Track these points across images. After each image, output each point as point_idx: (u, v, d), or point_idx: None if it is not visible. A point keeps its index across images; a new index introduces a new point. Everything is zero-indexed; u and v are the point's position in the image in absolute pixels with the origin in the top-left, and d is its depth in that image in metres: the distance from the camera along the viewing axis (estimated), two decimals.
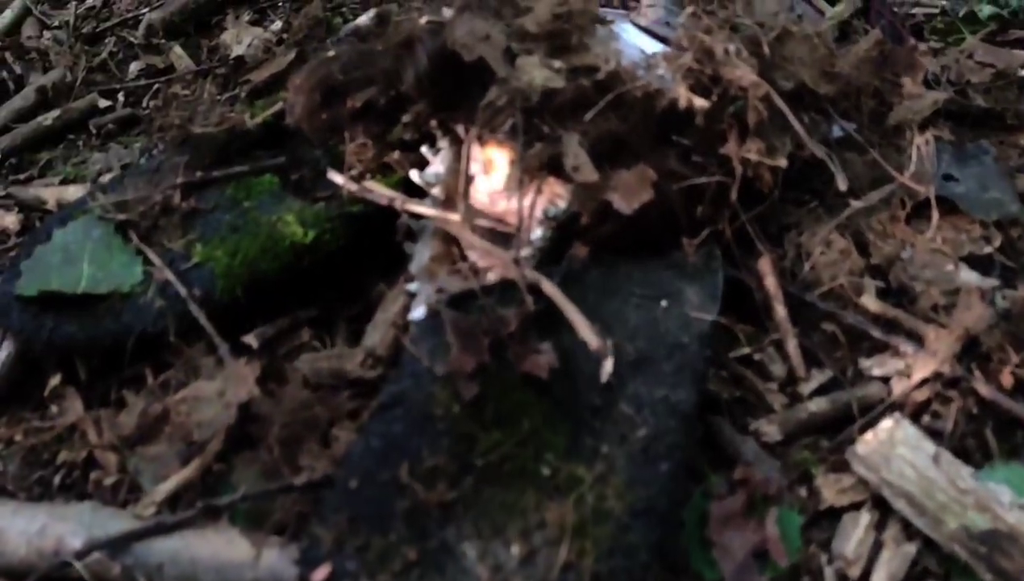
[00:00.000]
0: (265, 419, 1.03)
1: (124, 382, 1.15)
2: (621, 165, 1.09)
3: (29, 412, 1.13)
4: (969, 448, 1.04)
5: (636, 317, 1.05)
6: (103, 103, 1.71)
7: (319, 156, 1.29)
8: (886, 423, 0.99)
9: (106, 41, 1.89)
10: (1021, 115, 1.49)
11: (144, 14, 1.91)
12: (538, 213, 1.14)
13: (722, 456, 1.04)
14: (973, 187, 1.30)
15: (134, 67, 1.81)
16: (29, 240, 1.20)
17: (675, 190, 1.11)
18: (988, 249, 1.20)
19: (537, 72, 1.10)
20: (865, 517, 0.97)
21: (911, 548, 0.94)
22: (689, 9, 1.19)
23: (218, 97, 1.59)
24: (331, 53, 1.25)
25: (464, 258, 1.18)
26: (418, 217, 1.18)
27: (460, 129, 1.17)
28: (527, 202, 1.10)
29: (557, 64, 1.12)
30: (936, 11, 1.81)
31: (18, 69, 1.80)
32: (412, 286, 1.17)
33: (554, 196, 1.14)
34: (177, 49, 1.83)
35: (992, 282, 1.15)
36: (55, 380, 1.16)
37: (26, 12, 1.95)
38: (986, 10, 1.76)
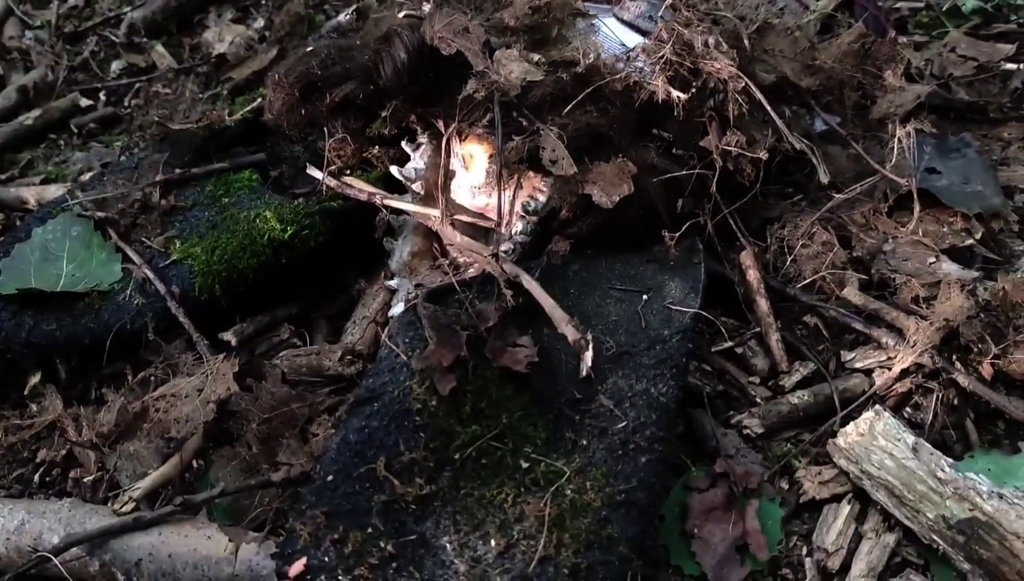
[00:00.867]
0: (244, 415, 1.02)
1: (103, 380, 1.15)
2: (601, 158, 1.09)
3: (8, 410, 1.13)
4: (950, 439, 1.03)
5: (617, 311, 1.05)
6: (84, 102, 1.70)
7: (299, 152, 1.29)
8: (867, 415, 0.99)
9: (88, 40, 1.88)
10: (1004, 108, 1.49)
11: (126, 13, 1.89)
12: (518, 208, 1.14)
13: (703, 449, 1.04)
14: (955, 180, 1.30)
15: (116, 66, 1.80)
16: (8, 238, 1.19)
17: (655, 184, 1.11)
18: (969, 241, 1.20)
19: (516, 65, 1.09)
20: (845, 509, 0.97)
21: (890, 539, 0.94)
22: (670, 1, 1.18)
23: (200, 95, 1.58)
24: (310, 48, 1.24)
25: (444, 253, 1.18)
26: (398, 213, 1.18)
27: (440, 124, 1.16)
28: (507, 196, 1.10)
29: (536, 57, 1.11)
30: (920, 5, 1.81)
31: (0, 69, 1.79)
32: (392, 282, 1.17)
33: (534, 190, 1.14)
34: (159, 48, 1.82)
35: (973, 274, 1.15)
36: (35, 378, 1.15)
37: (8, 12, 1.94)
38: (969, 4, 1.76)
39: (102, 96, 1.73)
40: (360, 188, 1.19)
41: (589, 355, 0.95)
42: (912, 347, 1.03)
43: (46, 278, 1.12)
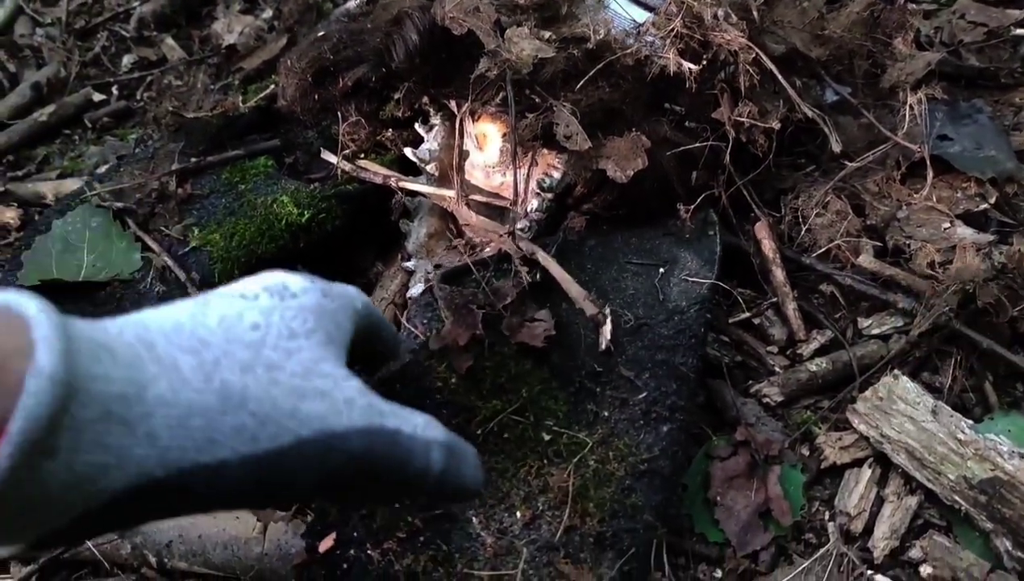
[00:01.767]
0: None
1: None
2: (614, 133, 1.10)
3: None
4: (969, 403, 1.04)
5: (634, 285, 1.06)
6: (97, 97, 1.71)
7: (313, 138, 1.29)
8: (885, 379, 1.00)
9: (98, 36, 1.88)
10: (1015, 74, 1.49)
11: (135, 7, 1.90)
12: (533, 185, 1.14)
13: (724, 419, 1.05)
14: (968, 146, 1.30)
15: (127, 60, 1.81)
16: (29, 232, 1.20)
17: (669, 157, 1.11)
18: (984, 206, 1.20)
19: (527, 43, 1.09)
20: (867, 473, 0.98)
21: (912, 501, 0.95)
22: None
23: (212, 86, 1.59)
24: (321, 34, 1.25)
25: (460, 234, 1.18)
26: (414, 195, 1.19)
27: (453, 104, 1.17)
28: (522, 174, 1.11)
29: (547, 35, 1.12)
30: None
31: (12, 67, 1.80)
32: (409, 264, 1.18)
33: (548, 168, 1.14)
34: (169, 40, 1.83)
35: (988, 237, 1.15)
36: None
37: (18, 10, 1.95)
38: None
39: (114, 90, 1.74)
40: (375, 171, 1.20)
41: (608, 329, 0.96)
42: (929, 311, 1.03)
43: (68, 269, 1.13)
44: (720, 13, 1.12)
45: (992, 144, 1.30)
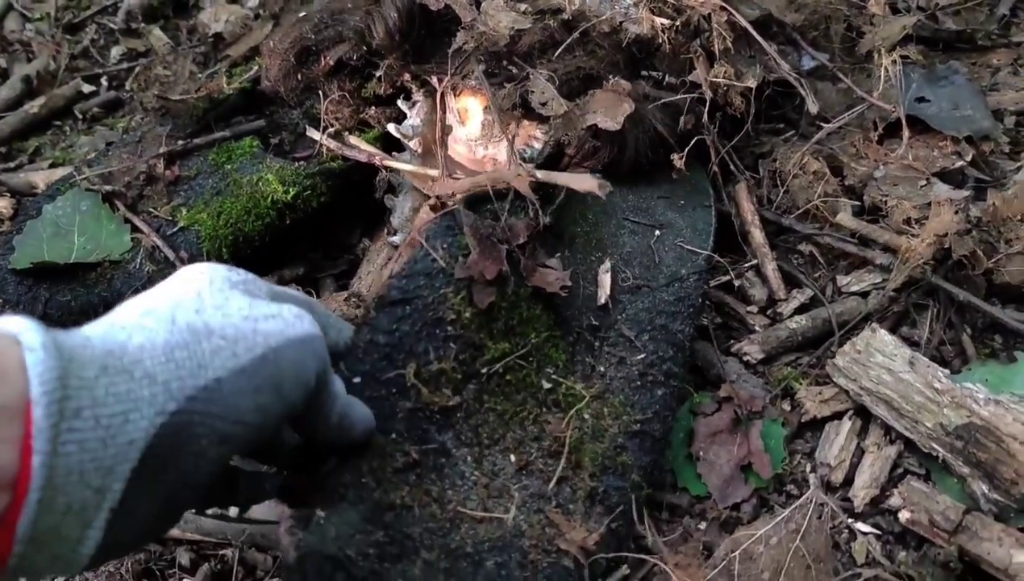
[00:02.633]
0: None
1: None
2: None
3: None
4: (948, 355, 1.06)
5: (631, 242, 1.06)
6: (87, 88, 1.72)
7: (297, 117, 1.31)
8: (863, 334, 1.01)
9: (87, 29, 1.90)
10: (992, 36, 1.50)
11: (122, 0, 1.92)
12: (515, 156, 1.15)
13: (706, 377, 1.06)
14: (945, 106, 1.31)
15: (115, 52, 1.83)
16: (21, 217, 1.22)
17: (653, 109, 1.12)
18: (960, 164, 1.22)
19: (503, 15, 1.11)
20: (847, 425, 0.99)
21: (892, 451, 0.96)
22: None
23: (199, 75, 1.60)
24: (302, 15, 1.26)
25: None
26: (398, 171, 1.20)
27: (434, 80, 1.18)
28: (503, 145, 1.12)
29: (523, 7, 1.14)
30: None
31: (3, 61, 1.81)
32: (395, 238, 1.19)
33: (529, 139, 1.16)
34: (156, 31, 1.85)
35: (964, 193, 1.16)
36: None
37: (8, 7, 1.97)
38: None
39: (104, 81, 1.76)
40: (361, 148, 1.21)
41: (607, 280, 0.97)
42: (905, 264, 1.05)
43: (59, 251, 1.15)
44: None
45: (969, 104, 1.31)
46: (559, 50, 1.10)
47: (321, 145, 1.22)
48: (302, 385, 0.63)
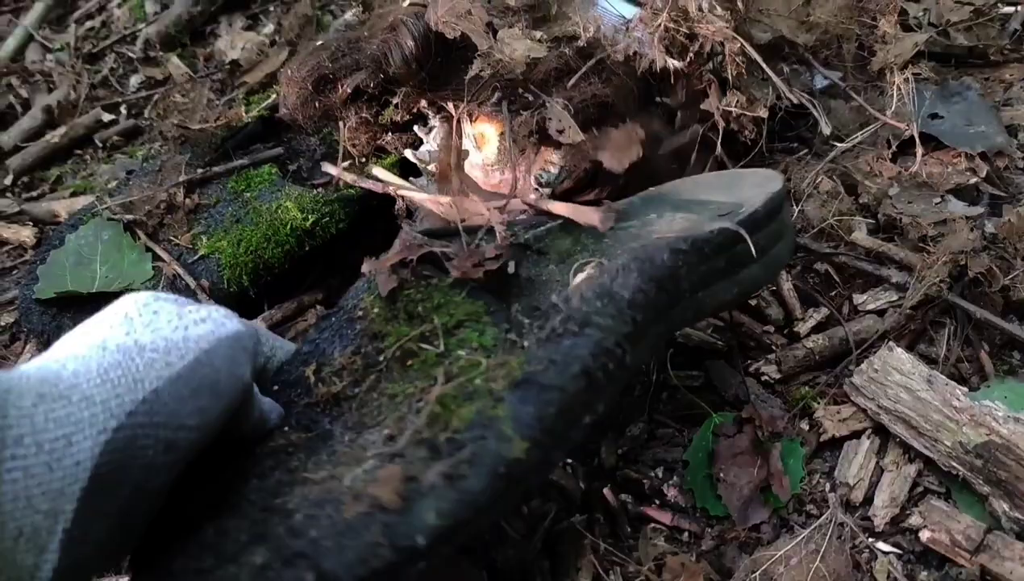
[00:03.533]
0: None
1: None
2: (608, 126, 1.12)
3: None
4: (966, 372, 1.06)
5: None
6: (107, 117, 1.75)
7: (315, 145, 1.32)
8: (880, 352, 1.02)
9: (106, 58, 1.93)
10: (1004, 51, 1.51)
11: (141, 29, 1.95)
12: (531, 181, 1.17)
13: (724, 399, 1.07)
14: (958, 123, 1.32)
15: (134, 80, 1.86)
16: (44, 247, 1.24)
17: (661, 156, 1.14)
18: (974, 180, 1.22)
19: (519, 44, 1.13)
20: (865, 444, 1.00)
21: (911, 469, 0.97)
22: None
23: (216, 102, 1.62)
24: (319, 43, 1.28)
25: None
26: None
27: (450, 106, 1.20)
28: (520, 171, 1.14)
29: (538, 34, 1.15)
30: None
31: (24, 92, 1.84)
32: None
33: (546, 163, 1.17)
34: (174, 59, 1.87)
35: (979, 210, 1.17)
36: None
37: (28, 38, 2.00)
38: None
39: (123, 110, 1.78)
40: (377, 179, 1.22)
41: (579, 278, 0.91)
42: (921, 282, 1.05)
43: (82, 281, 1.17)
44: (705, 5, 1.15)
45: (982, 120, 1.32)
46: (575, 78, 1.11)
47: (338, 177, 1.23)
48: (238, 380, 0.65)
